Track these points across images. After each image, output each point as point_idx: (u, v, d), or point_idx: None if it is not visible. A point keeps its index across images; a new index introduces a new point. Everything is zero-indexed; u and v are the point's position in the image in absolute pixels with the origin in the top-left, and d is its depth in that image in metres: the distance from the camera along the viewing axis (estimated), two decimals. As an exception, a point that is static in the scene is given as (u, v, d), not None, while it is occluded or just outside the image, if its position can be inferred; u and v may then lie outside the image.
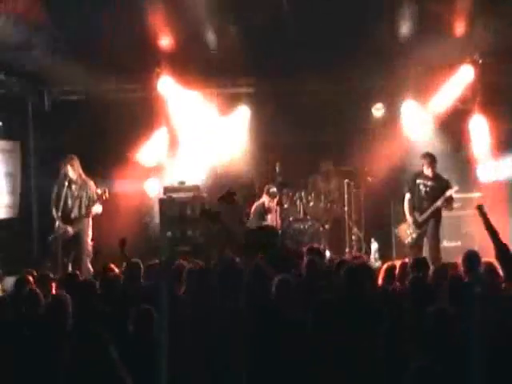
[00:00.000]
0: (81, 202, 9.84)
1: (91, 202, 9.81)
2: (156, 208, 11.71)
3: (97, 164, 10.89)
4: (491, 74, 11.16)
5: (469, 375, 4.31)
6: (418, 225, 9.86)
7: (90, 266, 9.70)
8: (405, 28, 10.33)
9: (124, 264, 7.33)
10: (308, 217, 11.56)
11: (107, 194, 9.82)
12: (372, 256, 11.32)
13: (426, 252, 9.77)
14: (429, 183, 9.87)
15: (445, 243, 10.73)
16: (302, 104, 11.66)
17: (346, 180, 11.82)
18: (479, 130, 11.51)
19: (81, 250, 9.80)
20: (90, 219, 9.92)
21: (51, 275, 7.14)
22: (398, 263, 7.27)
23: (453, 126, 11.50)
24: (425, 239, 9.88)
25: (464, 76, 11.42)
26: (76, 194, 9.86)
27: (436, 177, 9.90)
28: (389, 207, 11.51)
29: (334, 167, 12.04)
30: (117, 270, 7.35)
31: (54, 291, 6.59)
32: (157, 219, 11.69)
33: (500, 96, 11.15)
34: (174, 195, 11.46)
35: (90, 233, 9.92)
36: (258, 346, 5.00)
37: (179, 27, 10.20)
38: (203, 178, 11.96)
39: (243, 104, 12.03)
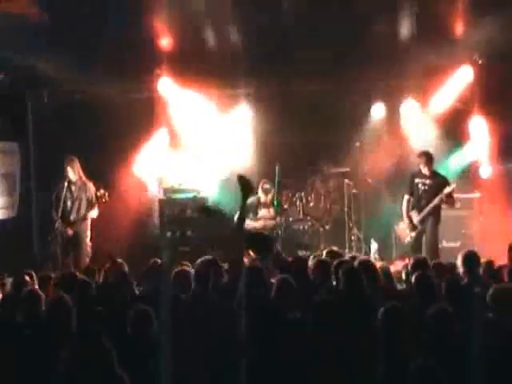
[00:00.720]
0: (80, 203, 9.87)
1: (90, 204, 9.83)
2: (156, 208, 11.72)
3: (97, 165, 10.88)
4: (491, 74, 11.15)
5: (469, 375, 4.31)
6: (413, 227, 9.86)
7: (89, 267, 9.73)
8: (405, 28, 10.34)
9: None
10: (308, 217, 11.56)
11: (107, 197, 9.84)
12: (372, 256, 11.30)
13: (425, 252, 9.77)
14: (427, 181, 9.86)
15: (444, 243, 10.70)
16: (302, 104, 11.64)
17: (346, 180, 11.81)
18: (479, 130, 11.51)
19: (80, 251, 9.85)
20: (89, 220, 9.96)
21: (52, 276, 7.15)
22: (397, 263, 7.28)
23: (453, 126, 11.49)
24: (424, 238, 9.88)
25: (464, 76, 11.42)
26: (75, 195, 9.89)
27: (434, 175, 9.90)
28: (388, 207, 11.50)
29: (334, 167, 12.03)
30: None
31: (50, 291, 6.57)
32: (156, 220, 11.70)
33: (500, 96, 11.14)
34: (174, 196, 11.47)
35: (89, 234, 9.98)
36: (258, 346, 5.00)
37: (179, 28, 10.20)
38: (203, 178, 11.95)
39: (243, 104, 12.04)
